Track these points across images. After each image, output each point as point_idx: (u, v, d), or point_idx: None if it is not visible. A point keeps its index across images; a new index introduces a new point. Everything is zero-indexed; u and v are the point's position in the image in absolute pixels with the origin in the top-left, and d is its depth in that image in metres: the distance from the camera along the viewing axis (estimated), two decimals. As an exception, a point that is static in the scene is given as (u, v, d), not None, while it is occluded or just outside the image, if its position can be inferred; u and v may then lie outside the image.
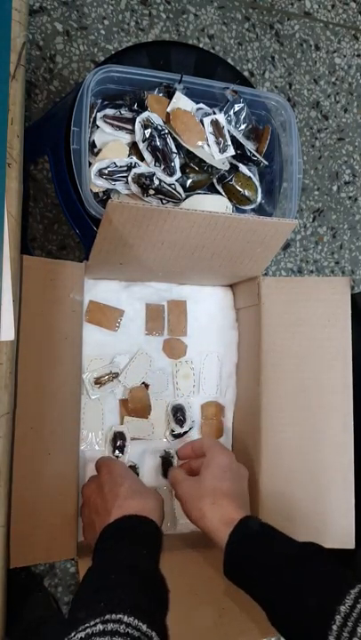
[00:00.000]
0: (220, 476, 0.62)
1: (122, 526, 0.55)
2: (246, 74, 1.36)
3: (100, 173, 0.68)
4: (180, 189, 0.70)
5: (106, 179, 0.68)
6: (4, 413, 0.54)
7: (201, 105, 0.74)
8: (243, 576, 0.55)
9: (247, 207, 0.78)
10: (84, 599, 0.47)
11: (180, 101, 0.72)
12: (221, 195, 0.76)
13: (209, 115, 0.73)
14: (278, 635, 0.60)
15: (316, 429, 0.69)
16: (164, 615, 0.49)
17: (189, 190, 0.73)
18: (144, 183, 0.68)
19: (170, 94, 0.72)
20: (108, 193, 0.71)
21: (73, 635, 0.41)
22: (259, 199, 0.77)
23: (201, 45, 1.32)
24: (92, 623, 0.42)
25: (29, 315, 0.59)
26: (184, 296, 0.75)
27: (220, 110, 0.75)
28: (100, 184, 0.69)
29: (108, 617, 0.42)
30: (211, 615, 0.61)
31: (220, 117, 0.73)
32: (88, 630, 0.41)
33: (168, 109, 0.71)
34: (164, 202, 0.70)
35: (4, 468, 0.54)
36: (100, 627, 0.41)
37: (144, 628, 0.42)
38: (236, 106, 0.75)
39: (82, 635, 0.41)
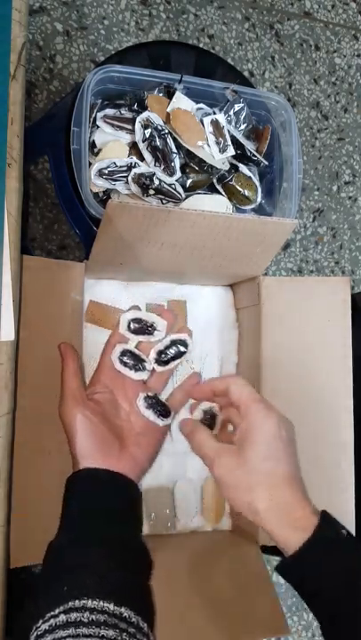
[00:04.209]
0: (272, 455, 0.48)
1: (90, 482, 0.52)
2: (246, 74, 1.36)
3: (100, 173, 0.68)
4: (180, 189, 0.70)
5: (106, 179, 0.68)
6: (4, 413, 0.54)
7: (201, 105, 0.74)
8: (308, 587, 0.46)
9: (247, 207, 0.78)
10: (48, 579, 0.46)
11: (180, 101, 0.72)
12: (221, 195, 0.76)
13: (209, 115, 0.73)
14: (278, 635, 0.60)
15: (316, 429, 0.69)
16: (140, 584, 0.46)
17: (189, 190, 0.73)
18: (144, 183, 0.68)
19: (170, 94, 0.72)
20: (108, 193, 0.71)
21: (40, 623, 0.41)
22: (259, 199, 0.77)
23: (201, 45, 1.32)
24: (56, 612, 0.41)
25: (29, 315, 0.59)
26: (184, 296, 0.75)
27: (220, 110, 0.75)
28: (100, 184, 0.69)
29: (71, 604, 0.41)
30: (211, 615, 0.61)
31: (220, 117, 0.73)
32: (52, 621, 0.41)
33: (168, 109, 0.71)
34: (164, 202, 0.70)
35: (3, 467, 0.54)
36: (63, 617, 0.41)
37: (111, 607, 0.41)
38: (236, 106, 0.75)
39: (46, 626, 0.41)
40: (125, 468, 0.54)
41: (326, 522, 0.46)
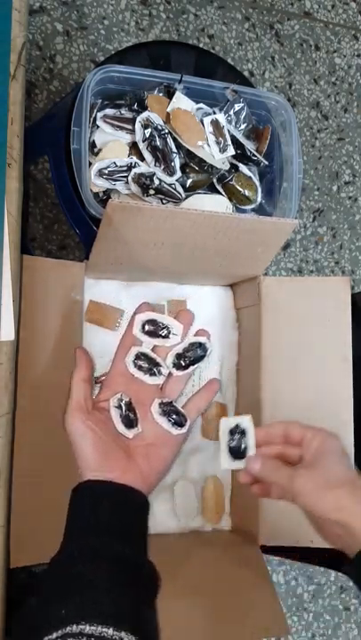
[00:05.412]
0: (347, 463, 0.52)
1: (97, 494, 0.51)
2: (246, 74, 1.36)
3: (100, 173, 0.68)
4: (180, 189, 0.70)
5: (106, 179, 0.68)
6: (3, 413, 0.54)
7: (201, 105, 0.74)
8: None
9: (247, 207, 0.78)
10: (47, 597, 0.45)
11: (180, 101, 0.72)
12: (221, 195, 0.76)
13: (209, 115, 0.73)
14: (278, 635, 0.60)
15: (316, 429, 0.69)
16: (143, 604, 0.46)
17: (189, 190, 0.73)
18: (144, 183, 0.68)
19: (170, 94, 0.72)
20: (108, 193, 0.71)
21: None
22: (259, 199, 0.77)
23: (201, 45, 1.32)
24: (53, 636, 0.40)
25: (29, 315, 0.59)
26: (184, 295, 0.75)
27: (220, 110, 0.75)
28: (100, 184, 0.69)
29: (68, 629, 0.40)
30: (211, 615, 0.61)
31: (220, 117, 0.73)
32: None
33: (168, 109, 0.71)
34: (164, 202, 0.70)
35: (4, 468, 0.54)
36: None
37: (110, 632, 0.40)
38: (236, 106, 0.75)
39: None
40: (130, 482, 0.53)
41: None
